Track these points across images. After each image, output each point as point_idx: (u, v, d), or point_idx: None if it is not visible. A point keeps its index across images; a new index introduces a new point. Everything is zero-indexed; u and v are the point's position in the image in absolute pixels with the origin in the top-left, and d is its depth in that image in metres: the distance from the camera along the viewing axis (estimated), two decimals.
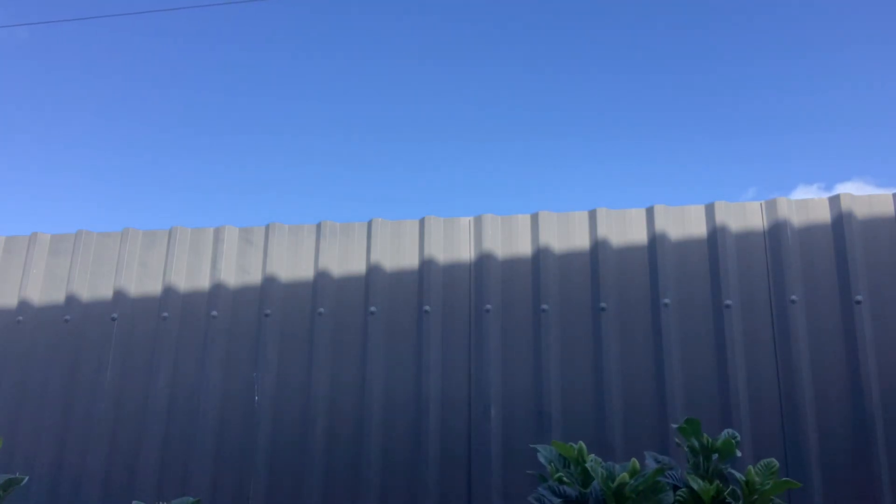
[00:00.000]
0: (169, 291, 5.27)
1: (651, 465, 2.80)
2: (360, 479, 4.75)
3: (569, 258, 5.00)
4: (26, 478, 3.08)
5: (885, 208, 4.77)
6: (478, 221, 5.14)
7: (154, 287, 5.32)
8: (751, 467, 2.60)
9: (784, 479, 2.59)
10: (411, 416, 4.83)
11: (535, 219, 5.09)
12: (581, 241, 5.02)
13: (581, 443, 2.77)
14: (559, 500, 2.68)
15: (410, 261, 5.15)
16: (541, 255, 4.98)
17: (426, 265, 5.07)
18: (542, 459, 2.92)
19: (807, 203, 4.86)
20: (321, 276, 5.15)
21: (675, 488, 2.67)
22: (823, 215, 4.81)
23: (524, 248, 5.07)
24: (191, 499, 3.27)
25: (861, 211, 4.77)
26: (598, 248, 4.93)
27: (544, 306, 4.88)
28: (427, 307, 4.99)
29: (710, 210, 4.91)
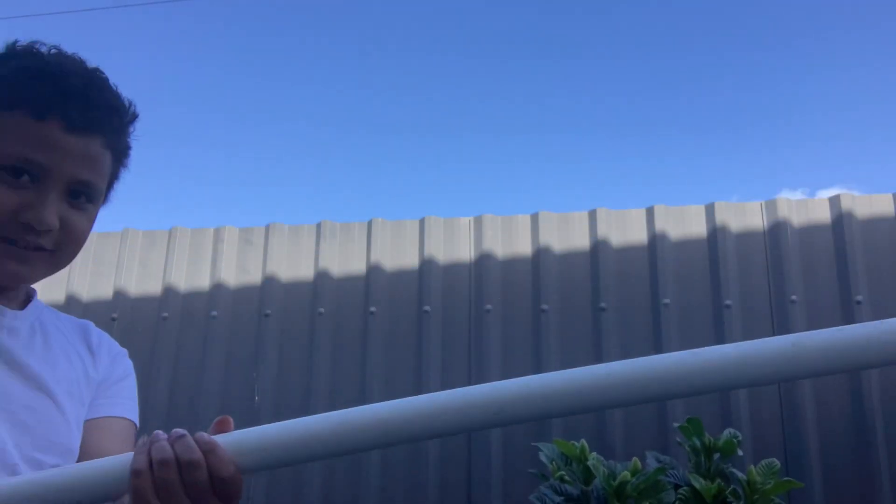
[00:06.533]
0: (169, 291, 5.27)
1: (652, 464, 2.80)
2: (360, 478, 4.75)
3: (569, 258, 5.00)
4: None
5: (885, 208, 4.78)
6: (478, 221, 5.15)
7: (154, 287, 5.32)
8: (752, 467, 2.60)
9: (786, 478, 2.59)
10: None
11: (535, 219, 5.09)
12: (581, 241, 5.02)
13: (583, 441, 2.78)
14: (560, 498, 2.69)
15: (410, 261, 5.15)
16: (541, 255, 4.99)
17: (426, 265, 5.07)
18: (543, 458, 2.92)
19: (807, 203, 4.87)
20: (321, 276, 5.15)
21: (677, 487, 2.67)
22: (823, 215, 4.82)
23: (524, 248, 5.07)
24: None
25: (861, 211, 4.77)
26: (598, 248, 4.94)
27: (544, 306, 4.88)
28: (427, 307, 4.99)
29: (710, 210, 4.92)
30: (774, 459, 2.62)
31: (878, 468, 4.32)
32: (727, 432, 2.72)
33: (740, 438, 2.65)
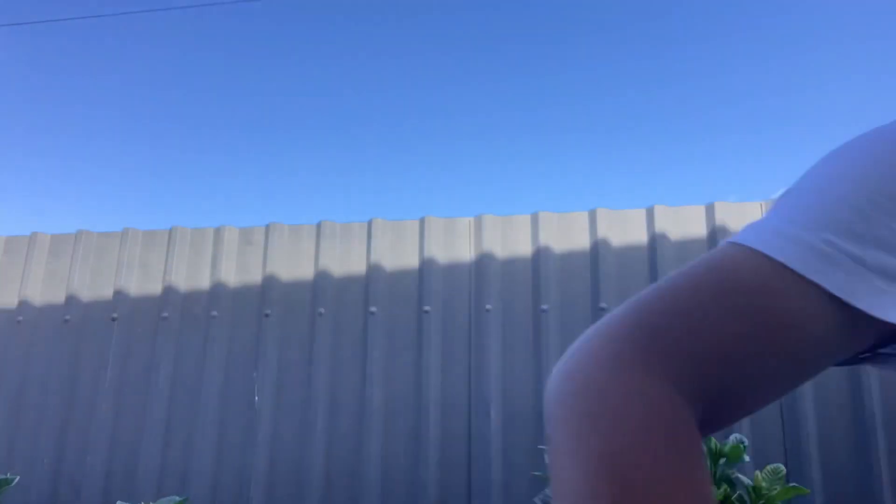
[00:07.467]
0: (169, 291, 5.26)
1: None
2: (360, 478, 4.76)
3: (569, 258, 5.00)
4: (17, 478, 3.08)
5: None
6: (478, 221, 5.15)
7: (154, 287, 5.31)
8: (758, 473, 2.61)
9: (792, 484, 2.60)
10: (411, 415, 4.84)
11: (535, 219, 5.09)
12: (581, 241, 5.03)
13: None
14: None
15: (410, 261, 5.15)
16: (541, 255, 4.99)
17: (426, 265, 5.07)
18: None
19: None
20: (321, 276, 5.15)
21: None
22: None
23: (524, 248, 5.07)
24: (176, 498, 3.28)
25: None
26: (598, 248, 4.94)
27: (544, 306, 4.89)
28: (427, 307, 4.99)
29: (709, 210, 4.93)
30: (780, 465, 2.64)
31: (879, 469, 4.34)
32: (733, 437, 2.73)
33: (746, 444, 2.66)
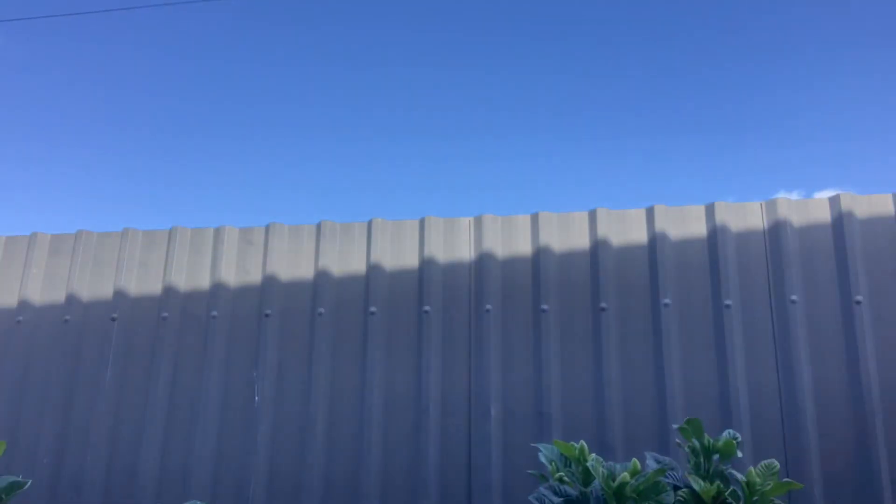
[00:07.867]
0: (169, 291, 5.27)
1: (652, 465, 2.80)
2: (360, 478, 4.75)
3: (569, 258, 5.00)
4: (29, 482, 3.07)
5: (885, 208, 4.77)
6: (478, 221, 5.14)
7: (154, 287, 5.32)
8: (752, 468, 2.60)
9: (785, 480, 2.59)
10: (411, 416, 4.83)
11: (535, 219, 5.09)
12: (581, 241, 5.02)
13: (582, 442, 2.78)
14: (560, 499, 2.69)
15: (410, 261, 5.14)
16: (541, 255, 4.98)
17: (426, 265, 5.07)
18: (542, 459, 2.92)
19: (807, 203, 4.86)
20: (321, 276, 5.15)
21: (676, 488, 2.67)
22: (823, 215, 4.81)
23: (524, 248, 5.07)
24: (198, 503, 3.28)
25: (861, 211, 4.77)
26: (598, 248, 4.93)
27: (544, 306, 4.88)
28: (427, 307, 4.99)
29: (710, 210, 4.91)
30: (774, 460, 2.62)
31: (878, 469, 4.32)
32: (726, 433, 2.72)
33: (739, 440, 2.65)
